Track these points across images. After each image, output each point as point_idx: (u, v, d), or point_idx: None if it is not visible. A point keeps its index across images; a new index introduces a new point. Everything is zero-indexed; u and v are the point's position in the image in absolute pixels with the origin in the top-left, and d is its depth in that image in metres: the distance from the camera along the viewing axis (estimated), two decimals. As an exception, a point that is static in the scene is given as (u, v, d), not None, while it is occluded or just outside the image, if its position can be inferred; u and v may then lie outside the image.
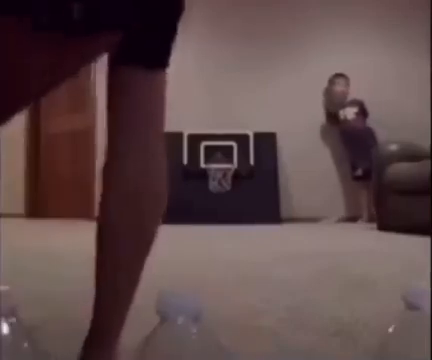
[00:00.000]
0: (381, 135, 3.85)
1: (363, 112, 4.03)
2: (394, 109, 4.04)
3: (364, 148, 3.80)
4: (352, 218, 3.94)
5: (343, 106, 4.07)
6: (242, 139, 4.07)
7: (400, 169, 2.89)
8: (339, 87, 4.10)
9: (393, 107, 4.05)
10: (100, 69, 3.98)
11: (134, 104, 0.55)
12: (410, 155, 2.95)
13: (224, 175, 4.03)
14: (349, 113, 4.03)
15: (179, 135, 4.09)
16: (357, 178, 3.98)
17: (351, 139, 4.03)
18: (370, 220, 3.72)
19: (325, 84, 4.24)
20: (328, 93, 4.20)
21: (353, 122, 4.01)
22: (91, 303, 0.87)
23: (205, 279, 1.13)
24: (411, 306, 0.38)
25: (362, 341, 0.62)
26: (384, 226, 2.93)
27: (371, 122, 4.06)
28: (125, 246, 0.55)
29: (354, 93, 4.07)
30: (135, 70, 0.53)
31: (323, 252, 1.77)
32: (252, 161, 4.05)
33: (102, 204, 0.55)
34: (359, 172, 3.95)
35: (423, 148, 3.08)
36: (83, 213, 4.47)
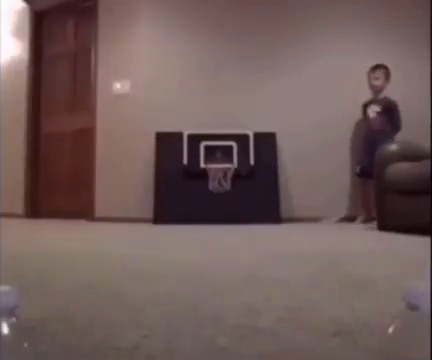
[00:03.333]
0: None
1: (387, 113, 3.82)
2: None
3: (369, 148, 3.75)
4: (351, 218, 3.93)
5: (372, 102, 3.94)
6: (242, 139, 4.08)
7: (400, 169, 2.89)
8: (372, 81, 3.94)
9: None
10: (100, 69, 3.98)
11: None
12: (410, 155, 2.95)
13: (224, 175, 4.03)
14: (372, 110, 3.90)
15: (179, 135, 4.10)
16: (357, 175, 3.97)
17: (364, 136, 3.96)
18: (366, 220, 3.72)
19: (325, 84, 4.24)
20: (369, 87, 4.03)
21: (372, 121, 3.89)
22: (91, 303, 0.87)
23: (205, 279, 1.13)
24: (411, 306, 0.38)
25: (362, 341, 0.62)
26: (384, 226, 2.93)
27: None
28: None
29: (356, 94, 4.03)
30: None
31: (323, 252, 1.77)
32: (252, 161, 4.05)
33: None
34: (357, 169, 3.95)
35: (423, 148, 3.08)
36: (83, 213, 4.48)
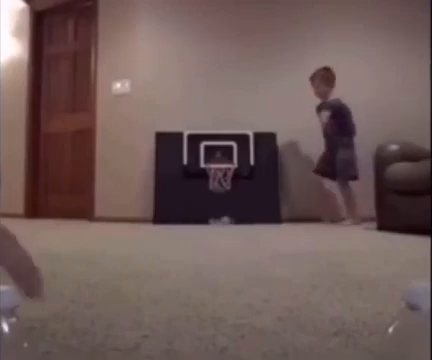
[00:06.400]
0: (381, 135, 3.84)
1: (338, 117, 3.73)
2: (394, 109, 4.04)
3: (329, 156, 3.77)
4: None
5: (322, 106, 3.87)
6: (242, 139, 4.08)
7: (400, 169, 2.89)
8: (313, 90, 3.90)
9: (393, 107, 4.05)
10: (100, 69, 3.97)
11: None
12: (410, 155, 2.95)
13: (224, 175, 4.03)
14: (324, 115, 3.81)
15: (179, 135, 4.10)
16: (314, 171, 3.98)
17: (325, 144, 3.94)
18: (354, 223, 3.70)
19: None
20: None
21: (325, 126, 3.84)
22: (91, 303, 0.87)
23: (205, 279, 1.13)
24: (411, 306, 0.38)
25: (362, 341, 0.62)
26: (384, 226, 2.93)
27: (372, 123, 3.97)
28: None
29: (355, 94, 4.01)
30: None
31: (323, 252, 1.77)
32: (252, 161, 4.05)
33: None
34: (315, 172, 3.98)
35: (423, 148, 3.08)
36: (83, 213, 4.48)
